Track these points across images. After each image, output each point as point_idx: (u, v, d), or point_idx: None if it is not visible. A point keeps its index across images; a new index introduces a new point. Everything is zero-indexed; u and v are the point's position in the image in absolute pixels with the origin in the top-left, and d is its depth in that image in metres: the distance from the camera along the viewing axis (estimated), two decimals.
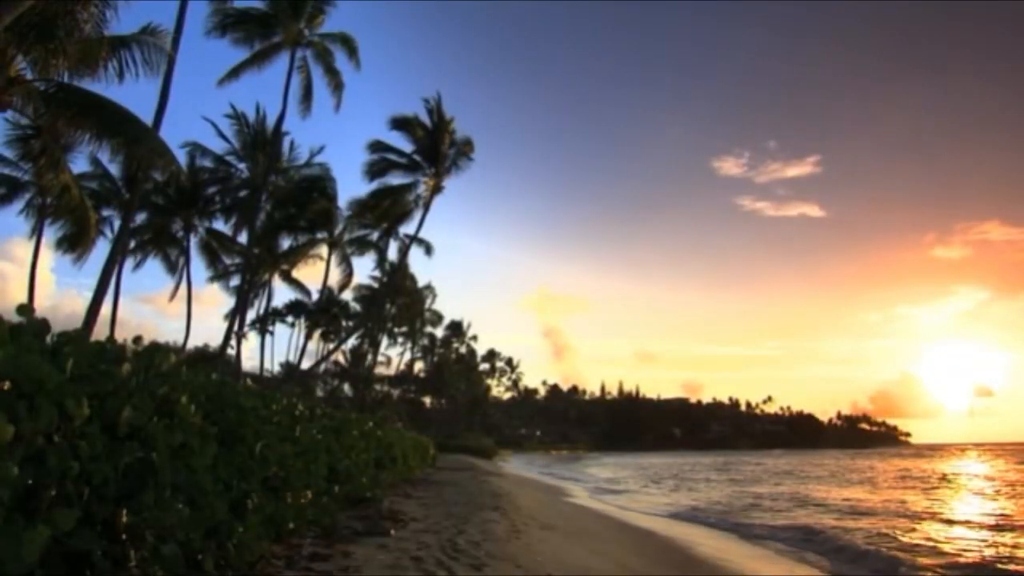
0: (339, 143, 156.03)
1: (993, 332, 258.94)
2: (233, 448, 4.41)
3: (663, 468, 44.63)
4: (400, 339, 68.53)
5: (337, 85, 29.16)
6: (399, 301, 52.07)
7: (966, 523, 13.78)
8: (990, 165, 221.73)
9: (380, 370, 64.05)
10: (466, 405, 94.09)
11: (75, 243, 22.09)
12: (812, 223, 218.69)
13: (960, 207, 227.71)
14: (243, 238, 31.94)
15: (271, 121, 30.86)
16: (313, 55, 28.63)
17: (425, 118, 34.82)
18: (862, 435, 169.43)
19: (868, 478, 31.00)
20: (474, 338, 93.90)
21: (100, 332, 20.05)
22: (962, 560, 9.37)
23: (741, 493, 22.04)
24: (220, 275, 34.79)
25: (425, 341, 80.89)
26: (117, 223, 27.78)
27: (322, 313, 43.17)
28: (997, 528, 12.93)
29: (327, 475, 6.81)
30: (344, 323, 51.09)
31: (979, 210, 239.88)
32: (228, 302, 36.77)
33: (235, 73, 27.70)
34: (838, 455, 77.03)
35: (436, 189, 35.18)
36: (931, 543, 10.75)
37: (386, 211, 35.98)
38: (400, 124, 34.92)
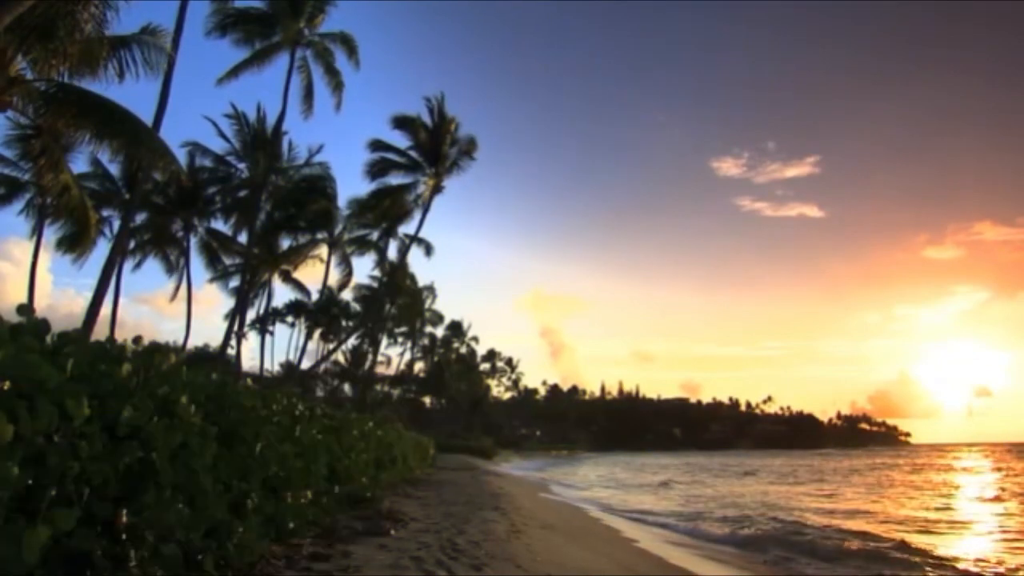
0: (339, 143, 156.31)
1: (992, 332, 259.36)
2: (233, 448, 4.41)
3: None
4: (400, 339, 68.51)
5: (337, 85, 29.21)
6: (399, 301, 52.01)
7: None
8: (984, 166, 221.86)
9: (380, 370, 63.96)
10: (466, 405, 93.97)
11: (75, 243, 22.07)
12: (811, 223, 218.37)
13: (954, 208, 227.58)
14: (243, 238, 31.96)
15: (271, 121, 30.91)
16: (313, 55, 28.68)
17: (427, 118, 34.82)
18: (862, 435, 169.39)
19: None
20: (474, 338, 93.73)
21: (100, 332, 20.06)
22: None
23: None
24: (220, 275, 34.80)
25: (425, 341, 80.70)
26: (117, 223, 27.79)
27: (322, 313, 43.10)
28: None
29: (327, 475, 6.81)
30: (344, 323, 51.02)
31: (973, 211, 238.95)
32: (228, 302, 36.76)
33: (235, 73, 27.74)
34: (812, 457, 75.95)
35: (436, 189, 35.16)
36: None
37: (386, 211, 35.94)
38: (402, 123, 34.89)
